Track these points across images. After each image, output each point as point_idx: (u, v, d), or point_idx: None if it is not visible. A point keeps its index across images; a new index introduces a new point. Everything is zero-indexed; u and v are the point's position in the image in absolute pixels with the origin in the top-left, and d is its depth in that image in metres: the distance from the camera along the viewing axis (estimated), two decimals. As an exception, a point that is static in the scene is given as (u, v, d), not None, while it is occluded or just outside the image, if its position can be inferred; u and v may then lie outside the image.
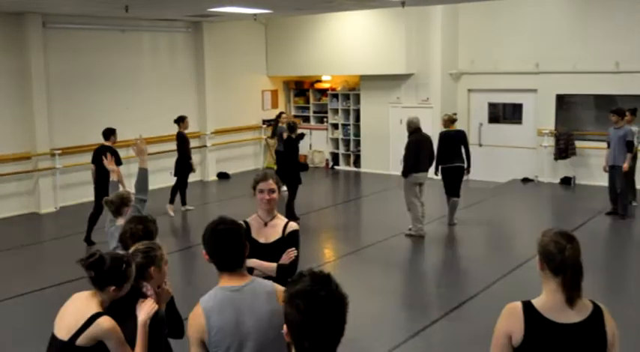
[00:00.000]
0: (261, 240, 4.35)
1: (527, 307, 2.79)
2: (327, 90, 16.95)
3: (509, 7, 13.74)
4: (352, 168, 16.33)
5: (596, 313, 2.82)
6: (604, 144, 13.10)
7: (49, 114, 12.31)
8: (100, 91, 13.20)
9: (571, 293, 2.76)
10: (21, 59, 11.96)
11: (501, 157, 14.77)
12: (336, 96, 16.69)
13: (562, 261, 2.75)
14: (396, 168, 15.52)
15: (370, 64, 14.95)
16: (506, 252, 9.35)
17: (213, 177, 15.35)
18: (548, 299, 2.79)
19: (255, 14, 13.07)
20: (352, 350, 6.18)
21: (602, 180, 13.21)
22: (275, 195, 4.35)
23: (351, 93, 16.39)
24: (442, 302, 7.31)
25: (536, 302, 2.82)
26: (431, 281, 8.35)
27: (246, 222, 4.33)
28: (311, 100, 17.29)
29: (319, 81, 17.10)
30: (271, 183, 4.34)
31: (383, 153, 15.62)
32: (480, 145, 15.09)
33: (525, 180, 14.34)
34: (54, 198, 12.45)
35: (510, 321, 2.80)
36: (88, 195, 12.99)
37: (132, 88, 13.82)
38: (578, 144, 13.47)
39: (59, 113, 12.56)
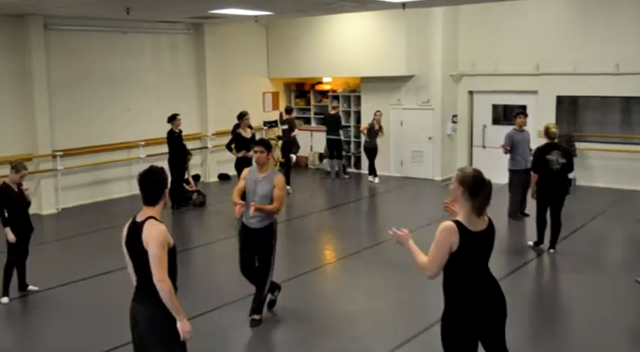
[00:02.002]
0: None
1: (459, 224, 4.09)
2: (327, 91, 16.98)
3: (509, 8, 13.76)
4: (353, 170, 16.35)
5: (491, 223, 4.25)
6: (604, 146, 13.15)
7: (50, 116, 12.34)
8: (101, 93, 13.23)
9: (482, 211, 4.12)
10: (22, 61, 11.99)
11: (503, 159, 14.76)
12: (336, 97, 16.72)
13: (485, 188, 4.08)
14: (397, 170, 15.57)
15: (371, 66, 14.98)
16: (506, 254, 9.36)
17: (214, 179, 15.39)
18: (467, 217, 4.09)
19: (256, 16, 13.09)
20: (353, 350, 6.21)
21: (603, 182, 13.26)
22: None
23: (352, 95, 16.42)
24: (442, 303, 7.32)
25: (462, 221, 4.10)
26: (431, 282, 8.35)
27: None
28: (312, 102, 17.32)
29: (320, 83, 17.13)
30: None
31: (384, 154, 15.65)
32: (484, 147, 15.12)
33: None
34: (55, 200, 12.47)
35: (451, 236, 4.11)
36: (89, 196, 13.07)
37: (133, 90, 13.85)
38: (578, 145, 13.49)
39: (61, 115, 12.59)
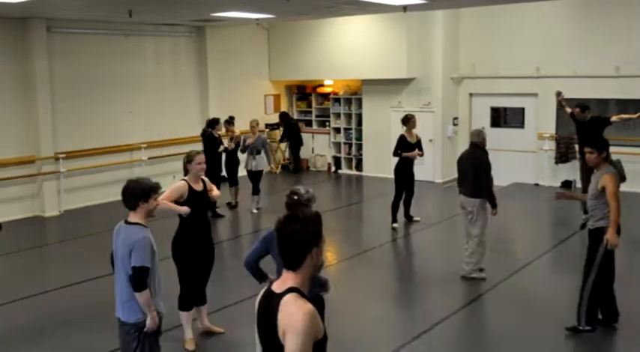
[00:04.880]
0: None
1: None
2: (329, 94, 17.02)
3: (509, 11, 13.81)
4: (354, 172, 16.40)
5: None
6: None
7: (53, 118, 12.39)
8: (103, 95, 13.28)
9: None
10: (25, 63, 12.05)
11: (503, 161, 14.81)
12: (338, 100, 16.76)
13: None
14: (398, 172, 15.60)
15: (372, 69, 15.03)
16: (506, 256, 9.41)
17: (216, 181, 15.44)
18: None
19: (257, 19, 13.16)
20: (354, 351, 6.25)
21: (603, 184, 13.28)
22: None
23: (353, 98, 16.47)
24: (443, 304, 7.37)
25: None
26: (432, 283, 8.40)
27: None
28: (313, 104, 17.36)
29: (321, 85, 17.18)
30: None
31: (385, 156, 15.67)
32: (482, 149, 15.15)
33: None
34: (58, 202, 12.52)
35: None
36: (92, 198, 13.12)
37: (135, 92, 13.91)
38: (578, 147, 13.51)
39: (63, 117, 12.64)
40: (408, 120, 10.86)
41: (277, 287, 2.81)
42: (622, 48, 13.00)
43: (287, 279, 2.79)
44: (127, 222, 4.64)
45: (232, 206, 12.49)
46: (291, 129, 16.36)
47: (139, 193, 4.55)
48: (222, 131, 12.30)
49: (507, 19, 14.16)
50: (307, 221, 2.80)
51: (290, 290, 2.74)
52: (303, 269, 2.78)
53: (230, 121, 12.53)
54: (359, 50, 15.17)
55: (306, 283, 2.81)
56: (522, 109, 14.71)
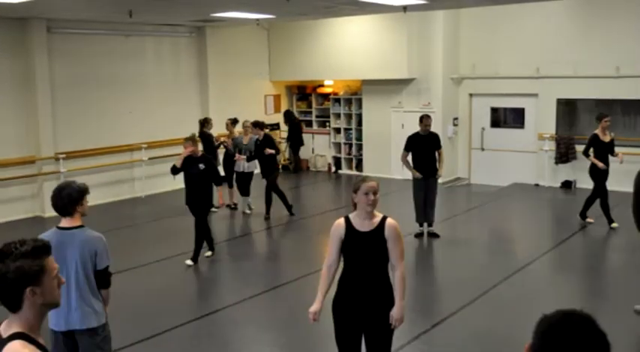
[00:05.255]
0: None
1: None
2: (329, 94, 17.03)
3: (510, 12, 13.82)
4: (354, 172, 16.40)
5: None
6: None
7: (53, 119, 12.40)
8: (103, 96, 13.29)
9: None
10: (26, 64, 12.06)
11: (503, 161, 14.84)
12: (338, 100, 16.76)
13: None
14: (398, 172, 15.61)
15: (372, 69, 15.04)
16: (506, 256, 9.41)
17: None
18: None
19: (257, 19, 13.16)
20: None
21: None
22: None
23: (353, 98, 16.47)
24: (443, 305, 7.38)
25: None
26: (432, 284, 8.41)
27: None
28: (313, 105, 17.37)
29: (322, 85, 17.19)
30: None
31: (385, 157, 15.69)
32: (483, 149, 15.18)
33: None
34: (58, 202, 12.51)
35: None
36: (92, 198, 13.08)
37: (135, 93, 13.92)
38: (578, 148, 13.52)
39: (63, 117, 12.65)
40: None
41: (3, 331, 2.46)
42: (622, 48, 13.01)
43: (12, 323, 2.47)
44: (70, 228, 4.67)
45: (232, 207, 12.50)
46: (293, 129, 16.39)
47: (75, 197, 4.64)
48: (224, 132, 12.44)
49: (507, 19, 14.16)
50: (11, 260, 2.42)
51: (15, 335, 2.42)
52: (25, 311, 2.46)
53: (233, 122, 12.79)
54: (359, 50, 15.18)
55: (35, 324, 2.50)
56: (522, 109, 14.71)
